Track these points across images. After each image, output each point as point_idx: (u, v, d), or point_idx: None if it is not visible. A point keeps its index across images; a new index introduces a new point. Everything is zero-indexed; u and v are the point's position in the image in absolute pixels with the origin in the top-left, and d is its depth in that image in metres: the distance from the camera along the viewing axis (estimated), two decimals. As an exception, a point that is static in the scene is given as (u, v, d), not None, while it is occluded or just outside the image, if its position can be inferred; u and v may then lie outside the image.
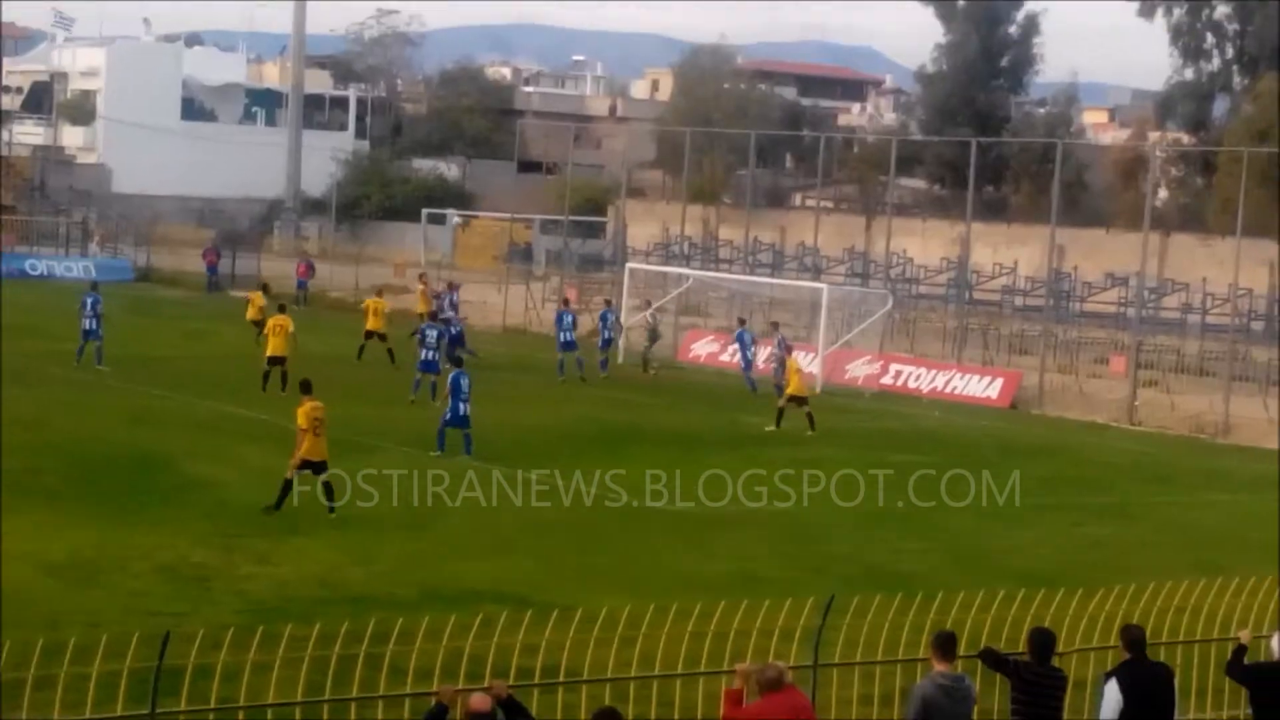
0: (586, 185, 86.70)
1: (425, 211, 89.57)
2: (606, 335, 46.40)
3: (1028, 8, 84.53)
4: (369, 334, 44.70)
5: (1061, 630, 14.62)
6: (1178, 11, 77.53)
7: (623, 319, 49.64)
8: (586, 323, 49.19)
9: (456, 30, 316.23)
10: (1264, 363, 46.04)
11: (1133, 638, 13.30)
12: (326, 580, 21.06)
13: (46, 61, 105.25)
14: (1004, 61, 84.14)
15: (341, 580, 21.12)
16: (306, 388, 25.80)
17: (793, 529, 26.13)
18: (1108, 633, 14.98)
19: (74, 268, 68.68)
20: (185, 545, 22.32)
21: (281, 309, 40.74)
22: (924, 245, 65.82)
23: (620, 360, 47.91)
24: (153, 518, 23.98)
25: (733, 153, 79.99)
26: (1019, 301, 59.63)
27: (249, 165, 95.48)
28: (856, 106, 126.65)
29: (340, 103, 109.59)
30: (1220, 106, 79.25)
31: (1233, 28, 77.89)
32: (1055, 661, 13.34)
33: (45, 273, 68.14)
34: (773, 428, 36.52)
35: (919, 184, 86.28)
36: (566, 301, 48.35)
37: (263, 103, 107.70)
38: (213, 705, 13.20)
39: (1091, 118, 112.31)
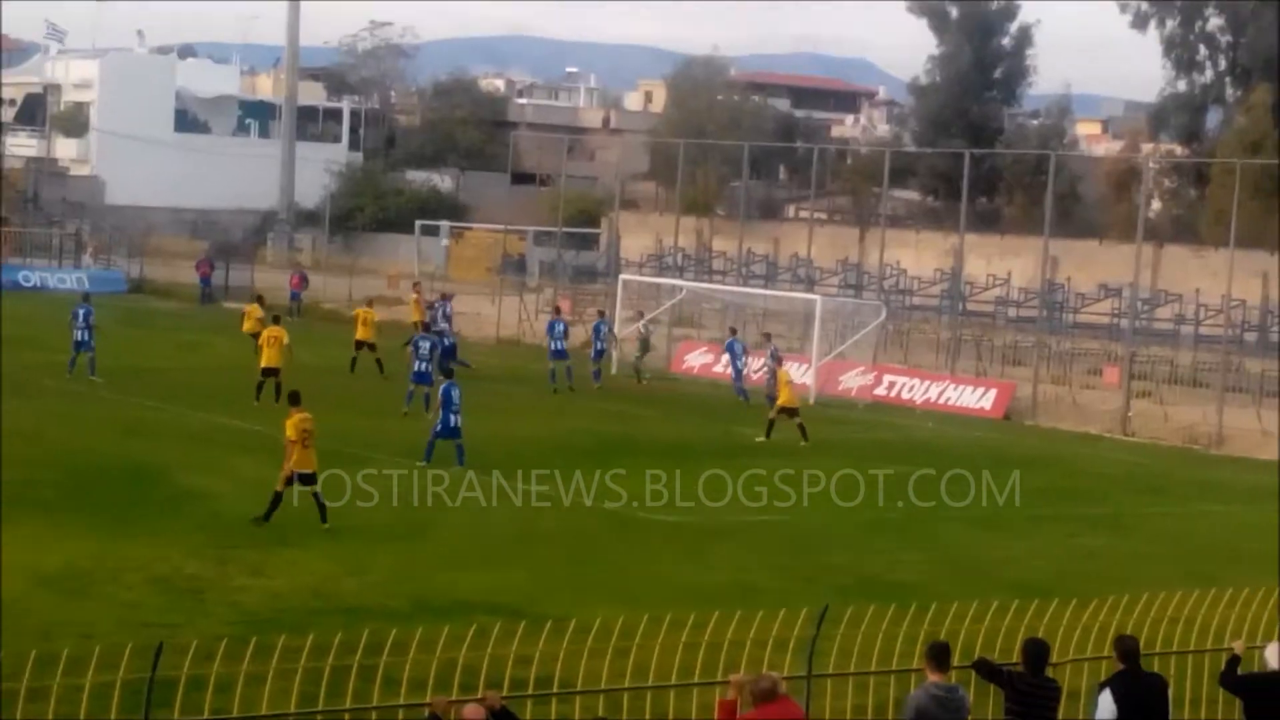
0: (580, 197, 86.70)
1: (419, 223, 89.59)
2: (600, 347, 46.40)
3: (1021, 19, 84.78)
4: (359, 344, 44.70)
5: (1055, 641, 14.62)
6: (1170, 23, 77.71)
7: (616, 330, 49.64)
8: (580, 334, 49.19)
9: (450, 42, 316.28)
10: (1257, 374, 46.13)
11: (1126, 648, 13.30)
12: (320, 591, 21.04)
13: (40, 73, 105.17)
14: (997, 73, 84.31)
15: (335, 591, 21.10)
16: (295, 399, 25.77)
17: (787, 539, 26.13)
18: (1101, 643, 14.98)
19: (68, 279, 68.62)
20: (179, 557, 22.30)
21: (276, 320, 40.73)
22: (917, 256, 65.92)
23: (614, 371, 47.91)
24: (146, 529, 23.95)
25: (726, 164, 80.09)
26: (1012, 313, 59.74)
27: (242, 177, 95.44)
28: (850, 118, 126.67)
29: (334, 114, 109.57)
30: (1213, 118, 79.42)
31: (1225, 40, 78.05)
32: (1049, 672, 13.34)
33: (39, 284, 68.08)
34: (763, 439, 36.53)
35: (912, 195, 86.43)
36: (558, 310, 48.36)
37: (256, 114, 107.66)
38: (206, 716, 13.19)
39: (1085, 129, 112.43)
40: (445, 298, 51.15)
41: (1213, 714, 15.85)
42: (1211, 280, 53.73)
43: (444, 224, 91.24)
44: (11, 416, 32.15)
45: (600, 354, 46.42)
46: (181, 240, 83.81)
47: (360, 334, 44.85)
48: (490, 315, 58.79)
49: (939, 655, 12.76)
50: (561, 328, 45.03)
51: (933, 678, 12.67)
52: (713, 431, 38.38)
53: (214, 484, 27.92)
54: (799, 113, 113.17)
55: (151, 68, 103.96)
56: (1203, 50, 78.50)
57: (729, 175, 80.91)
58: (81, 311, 40.93)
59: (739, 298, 56.59)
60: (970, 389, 46.83)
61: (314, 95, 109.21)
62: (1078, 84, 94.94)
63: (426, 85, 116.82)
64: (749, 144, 67.99)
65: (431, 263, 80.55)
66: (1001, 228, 71.53)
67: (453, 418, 30.46)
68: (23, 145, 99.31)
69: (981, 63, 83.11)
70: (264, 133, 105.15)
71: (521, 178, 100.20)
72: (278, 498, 24.68)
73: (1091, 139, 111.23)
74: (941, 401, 46.45)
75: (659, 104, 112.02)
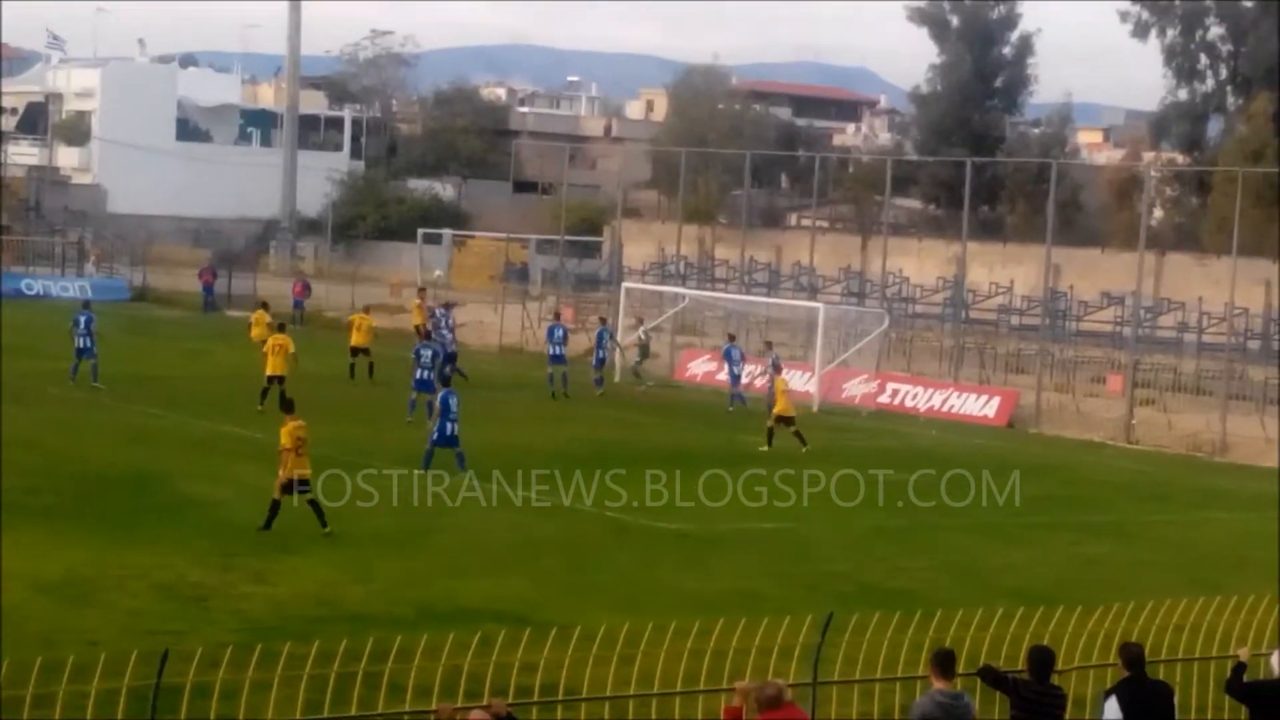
0: (582, 205, 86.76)
1: (421, 231, 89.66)
2: (602, 354, 46.41)
3: (1022, 28, 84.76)
4: (355, 350, 44.65)
5: (1060, 648, 14.61)
6: (1171, 33, 77.70)
7: (619, 338, 49.64)
8: (583, 342, 49.17)
9: (451, 51, 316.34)
10: (1260, 381, 46.10)
11: (1132, 655, 13.29)
12: (324, 598, 21.03)
13: (41, 82, 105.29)
14: (998, 82, 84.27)
15: (339, 598, 21.09)
16: (289, 407, 25.77)
17: (790, 547, 26.12)
18: (1107, 650, 14.97)
19: (70, 288, 68.66)
20: (182, 564, 22.28)
21: (281, 328, 40.81)
22: (920, 265, 65.88)
23: (617, 379, 47.92)
24: (150, 537, 23.94)
25: (728, 173, 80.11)
26: (1015, 320, 59.69)
27: (244, 186, 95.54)
28: (851, 127, 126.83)
29: (335, 123, 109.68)
30: (1214, 127, 79.43)
31: (1226, 49, 78.06)
32: (1054, 679, 13.32)
33: (41, 292, 68.17)
34: (765, 447, 36.53)
35: (914, 204, 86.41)
36: (558, 315, 48.35)
37: (258, 123, 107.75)
38: (211, 723, 13.19)
39: (1086, 138, 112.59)
40: (447, 306, 51.11)
41: (1218, 721, 15.86)
42: (1214, 288, 53.72)
43: (446, 232, 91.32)
44: (13, 424, 32.16)
45: (602, 362, 46.42)
46: (184, 249, 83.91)
47: (355, 340, 44.81)
48: (493, 323, 58.80)
49: (944, 662, 12.73)
50: (561, 333, 45.08)
51: (938, 685, 12.64)
52: (716, 439, 38.37)
53: (216, 491, 27.91)
54: (800, 121, 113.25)
55: (153, 77, 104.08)
56: (1203, 59, 78.52)
57: (731, 184, 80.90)
58: (83, 319, 40.97)
59: (742, 306, 56.60)
60: (973, 397, 46.83)
61: (315, 104, 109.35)
62: (1079, 93, 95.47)
63: (428, 94, 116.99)
64: (751, 152, 68.05)
65: (433, 271, 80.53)
66: (1004, 236, 71.53)
67: (450, 425, 30.39)
68: (24, 154, 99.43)
69: (982, 71, 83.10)
70: (265, 141, 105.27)
71: (523, 186, 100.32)
72: (276, 505, 24.70)
73: (1093, 147, 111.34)
74: (945, 409, 46.46)
75: (660, 113, 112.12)
